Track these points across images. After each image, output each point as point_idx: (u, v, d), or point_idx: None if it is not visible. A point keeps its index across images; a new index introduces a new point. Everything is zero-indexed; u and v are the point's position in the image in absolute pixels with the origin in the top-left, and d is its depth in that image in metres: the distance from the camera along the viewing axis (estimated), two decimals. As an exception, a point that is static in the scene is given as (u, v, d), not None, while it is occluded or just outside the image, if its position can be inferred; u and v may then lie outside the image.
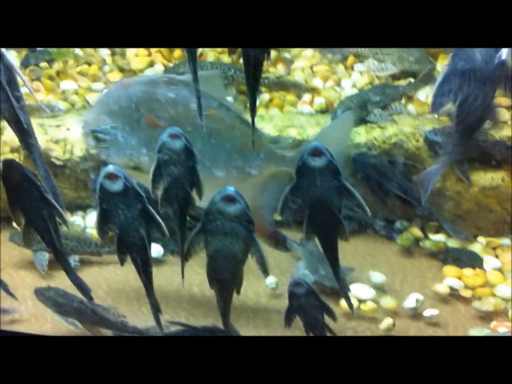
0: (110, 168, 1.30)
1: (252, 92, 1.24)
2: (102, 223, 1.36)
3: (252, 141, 1.50)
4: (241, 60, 2.47)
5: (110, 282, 1.98)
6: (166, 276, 1.99)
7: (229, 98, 2.24)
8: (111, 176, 1.30)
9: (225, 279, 1.39)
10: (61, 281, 1.98)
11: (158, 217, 1.37)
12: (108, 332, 1.67)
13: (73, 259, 2.01)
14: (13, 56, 2.37)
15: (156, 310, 1.52)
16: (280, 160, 1.67)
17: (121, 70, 2.46)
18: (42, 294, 1.67)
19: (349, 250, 2.04)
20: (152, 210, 1.36)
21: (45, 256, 1.98)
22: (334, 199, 1.26)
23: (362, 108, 2.05)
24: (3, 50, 1.24)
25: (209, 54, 2.50)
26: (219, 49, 2.54)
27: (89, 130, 1.67)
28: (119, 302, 1.89)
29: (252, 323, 1.76)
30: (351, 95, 2.17)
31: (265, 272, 1.36)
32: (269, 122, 2.10)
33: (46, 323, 1.77)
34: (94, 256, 2.06)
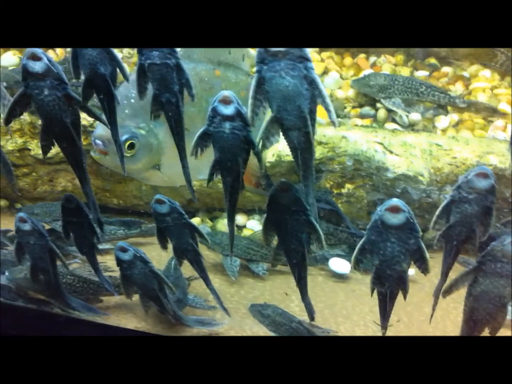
0: (395, 201, 1.27)
1: None
2: (360, 254, 1.33)
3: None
4: (416, 73, 2.45)
5: (298, 293, 1.97)
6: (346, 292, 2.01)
7: (417, 115, 2.22)
8: (393, 209, 1.28)
9: (483, 319, 1.37)
10: (250, 289, 2.00)
11: (427, 252, 1.34)
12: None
13: (261, 267, 2.02)
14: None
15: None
16: None
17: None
18: (258, 312, 1.66)
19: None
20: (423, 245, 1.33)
21: (237, 262, 1.99)
22: None
23: None
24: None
25: (385, 66, 2.46)
26: (393, 60, 2.50)
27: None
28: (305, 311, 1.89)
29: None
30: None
31: None
32: (465, 145, 2.05)
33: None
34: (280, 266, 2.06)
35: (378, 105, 2.23)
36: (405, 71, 2.41)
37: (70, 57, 1.26)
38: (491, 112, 2.20)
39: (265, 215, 1.41)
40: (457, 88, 2.35)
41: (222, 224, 2.20)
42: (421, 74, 2.41)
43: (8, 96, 1.69)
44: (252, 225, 2.19)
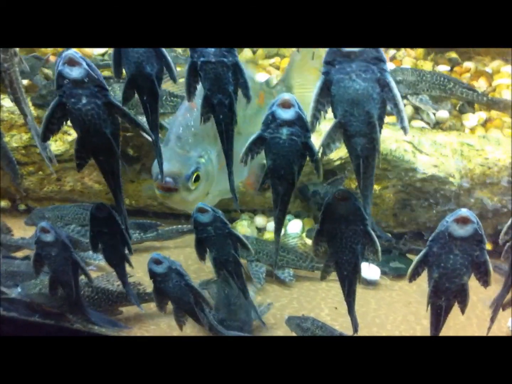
0: (464, 212, 1.19)
1: None
2: (419, 266, 1.26)
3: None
4: (437, 68, 2.36)
5: (327, 300, 1.89)
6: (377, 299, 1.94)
7: (445, 113, 2.14)
8: (462, 220, 1.18)
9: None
10: (276, 297, 1.90)
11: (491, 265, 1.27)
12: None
13: (288, 273, 1.92)
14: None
15: None
16: None
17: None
18: (297, 325, 1.57)
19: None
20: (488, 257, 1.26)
21: (263, 268, 1.88)
22: None
23: None
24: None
25: (405, 59, 2.37)
26: (412, 54, 2.41)
27: (186, 176, 1.47)
28: (336, 320, 1.81)
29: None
30: None
31: None
32: (497, 145, 1.97)
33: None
34: (304, 271, 1.97)
35: (404, 101, 2.14)
36: (427, 66, 2.32)
37: (113, 54, 1.14)
38: (516, 110, 2.12)
39: (318, 225, 1.31)
40: (480, 84, 2.28)
41: (242, 226, 2.09)
42: (443, 68, 2.32)
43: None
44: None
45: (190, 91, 1.16)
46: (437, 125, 2.11)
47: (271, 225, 2.11)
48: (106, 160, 1.22)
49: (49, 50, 2.23)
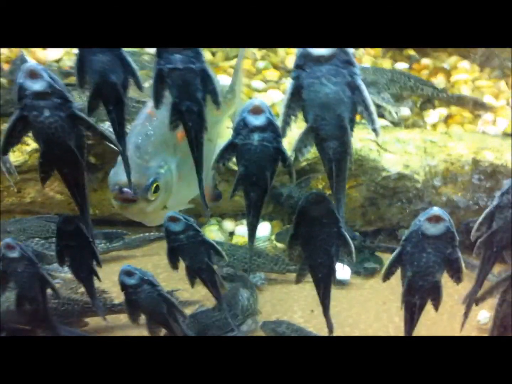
0: (435, 210, 1.19)
1: None
2: (392, 266, 1.27)
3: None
4: (395, 65, 2.39)
5: (300, 302, 1.89)
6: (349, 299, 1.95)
7: (407, 110, 2.17)
8: (434, 219, 1.19)
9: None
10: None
11: (462, 263, 1.29)
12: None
13: (259, 277, 1.91)
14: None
15: None
16: None
17: (275, 67, 2.33)
18: (272, 329, 1.56)
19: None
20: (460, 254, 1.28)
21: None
22: None
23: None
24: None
25: (364, 57, 2.39)
26: (372, 52, 2.43)
27: (145, 186, 1.42)
28: (310, 322, 1.82)
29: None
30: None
31: None
32: (459, 141, 2.01)
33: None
34: (276, 274, 1.96)
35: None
36: (386, 64, 2.34)
37: (76, 62, 1.10)
38: (478, 105, 2.16)
39: (291, 229, 1.31)
40: (439, 81, 2.31)
41: (209, 231, 2.06)
42: (401, 66, 2.35)
43: None
44: (243, 232, 2.07)
45: (158, 99, 1.13)
46: (400, 122, 2.13)
47: (239, 229, 2.09)
48: (71, 173, 1.18)
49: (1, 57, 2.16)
